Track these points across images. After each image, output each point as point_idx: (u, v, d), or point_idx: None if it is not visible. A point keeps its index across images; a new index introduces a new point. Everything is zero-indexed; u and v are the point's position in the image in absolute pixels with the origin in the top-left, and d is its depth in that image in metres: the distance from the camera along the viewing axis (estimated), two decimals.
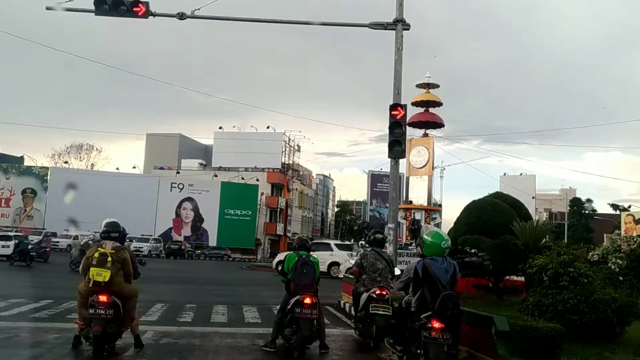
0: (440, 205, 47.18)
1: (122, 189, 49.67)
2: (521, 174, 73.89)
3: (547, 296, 7.97)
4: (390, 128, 11.87)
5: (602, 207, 70.89)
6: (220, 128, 68.78)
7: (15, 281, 16.49)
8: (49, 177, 53.69)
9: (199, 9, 12.64)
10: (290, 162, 71.24)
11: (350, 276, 11.22)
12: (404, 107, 12.13)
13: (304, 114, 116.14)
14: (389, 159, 12.23)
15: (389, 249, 11.27)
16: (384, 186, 64.68)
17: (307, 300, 7.11)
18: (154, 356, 6.92)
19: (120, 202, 42.46)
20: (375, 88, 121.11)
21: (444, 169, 53.24)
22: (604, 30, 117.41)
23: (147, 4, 12.44)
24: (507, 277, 12.01)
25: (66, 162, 64.09)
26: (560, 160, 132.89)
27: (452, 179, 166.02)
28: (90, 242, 26.97)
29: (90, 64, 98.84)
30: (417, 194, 38.21)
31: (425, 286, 5.69)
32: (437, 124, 38.58)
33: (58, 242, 38.69)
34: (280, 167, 66.62)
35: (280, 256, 27.84)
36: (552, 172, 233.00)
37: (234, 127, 67.54)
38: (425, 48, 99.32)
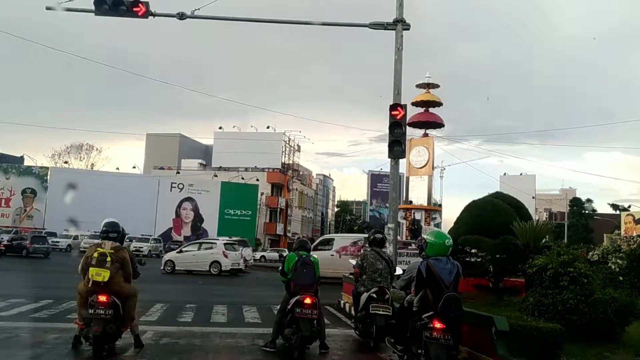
0: (440, 205, 47.12)
1: (122, 189, 49.66)
2: (521, 174, 73.93)
3: (547, 296, 7.97)
4: (390, 128, 11.86)
5: (602, 207, 70.88)
6: (220, 128, 68.92)
7: (16, 281, 16.49)
8: (49, 177, 53.69)
9: (199, 9, 12.64)
10: (290, 162, 71.28)
11: (351, 276, 11.23)
12: (404, 107, 12.12)
13: (304, 114, 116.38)
14: (389, 159, 12.22)
15: (389, 249, 11.27)
16: (384, 186, 64.63)
17: (307, 300, 7.11)
18: (154, 356, 6.92)
19: (120, 202, 42.47)
20: (376, 88, 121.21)
21: (444, 169, 53.23)
22: (605, 30, 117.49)
23: (147, 4, 12.43)
24: (507, 277, 12.01)
25: (66, 162, 64.19)
26: (560, 160, 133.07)
27: (452, 179, 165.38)
28: None
29: (90, 64, 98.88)
30: (417, 194, 38.12)
31: (428, 287, 5.69)
32: (437, 124, 38.48)
33: (58, 242, 38.73)
34: (280, 167, 66.63)
35: (168, 256, 26.70)
36: (552, 172, 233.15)
37: (234, 127, 67.66)
38: (425, 48, 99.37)
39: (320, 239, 22.47)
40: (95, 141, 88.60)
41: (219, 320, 10.32)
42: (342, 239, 21.51)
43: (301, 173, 77.19)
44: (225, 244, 24.46)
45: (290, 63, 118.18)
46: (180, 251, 24.82)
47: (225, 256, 23.18)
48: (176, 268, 23.25)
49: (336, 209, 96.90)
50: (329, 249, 20.80)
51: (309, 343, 7.22)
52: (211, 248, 23.78)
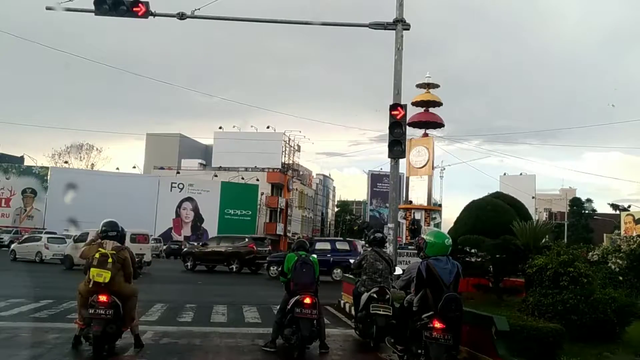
0: (440, 205, 47.12)
1: (122, 189, 49.65)
2: (521, 174, 73.84)
3: (547, 296, 7.98)
4: (390, 128, 11.87)
5: (602, 207, 70.84)
6: (220, 128, 68.80)
7: (15, 281, 16.50)
8: (49, 177, 53.65)
9: (199, 9, 12.64)
10: (290, 162, 71.24)
11: (351, 276, 11.23)
12: (404, 107, 12.13)
13: (304, 114, 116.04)
14: (389, 159, 12.23)
15: (389, 249, 11.27)
16: (384, 186, 64.57)
17: (307, 300, 7.12)
18: (154, 356, 6.92)
19: (120, 202, 42.45)
20: (376, 88, 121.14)
21: (444, 169, 53.28)
22: (605, 30, 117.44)
23: (147, 4, 12.44)
24: (507, 277, 12.00)
25: (66, 162, 64.16)
26: (560, 160, 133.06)
27: (452, 179, 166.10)
28: None
29: (90, 64, 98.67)
30: (417, 194, 38.14)
31: (428, 287, 5.69)
32: (437, 124, 38.52)
33: None
34: (280, 167, 66.62)
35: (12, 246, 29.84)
36: (552, 172, 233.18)
37: (234, 127, 67.57)
38: (425, 48, 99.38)
39: (80, 234, 25.90)
40: (95, 141, 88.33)
41: (219, 320, 10.32)
42: (95, 233, 24.30)
43: (301, 173, 77.19)
44: (49, 238, 28.66)
45: (290, 63, 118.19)
46: (23, 241, 29.72)
47: (47, 248, 26.73)
48: (17, 257, 27.48)
49: (336, 209, 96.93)
50: (84, 241, 23.23)
51: (309, 343, 7.22)
52: (39, 240, 27.97)
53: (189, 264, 25.64)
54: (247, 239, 26.58)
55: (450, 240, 5.97)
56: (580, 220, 64.57)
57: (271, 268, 22.25)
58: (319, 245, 23.00)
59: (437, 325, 5.50)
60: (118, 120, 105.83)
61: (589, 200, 69.15)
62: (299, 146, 73.00)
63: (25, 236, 32.03)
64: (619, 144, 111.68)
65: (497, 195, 14.91)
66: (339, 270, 21.01)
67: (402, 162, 14.80)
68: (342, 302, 12.49)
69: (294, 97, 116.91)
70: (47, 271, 21.48)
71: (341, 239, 24.14)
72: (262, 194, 60.41)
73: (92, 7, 12.40)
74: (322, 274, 22.32)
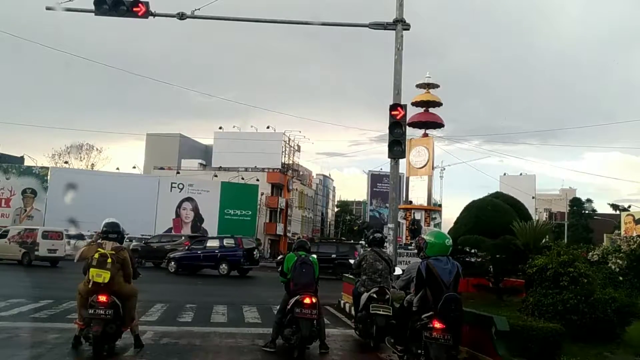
0: (440, 205, 47.10)
1: (122, 189, 49.54)
2: (521, 174, 73.84)
3: (547, 296, 7.97)
4: (390, 128, 11.87)
5: (602, 207, 70.83)
6: (220, 128, 68.78)
7: (15, 281, 16.50)
8: (49, 177, 53.52)
9: (199, 9, 12.65)
10: (290, 162, 71.20)
11: (351, 276, 11.23)
12: (404, 107, 12.13)
13: (304, 114, 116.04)
14: (389, 159, 12.23)
15: (389, 249, 11.27)
16: (384, 186, 64.56)
17: (307, 300, 7.11)
18: (154, 356, 6.92)
19: (120, 202, 42.39)
20: (376, 88, 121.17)
21: (444, 169, 53.20)
22: (605, 30, 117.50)
23: (147, 4, 12.44)
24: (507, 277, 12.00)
25: (66, 162, 64.11)
26: (560, 160, 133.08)
27: (452, 179, 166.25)
28: None
29: (90, 64, 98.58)
30: (417, 194, 38.19)
31: (428, 287, 5.69)
32: (437, 124, 38.57)
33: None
34: (280, 167, 66.60)
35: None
36: (552, 172, 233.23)
37: (234, 127, 67.59)
38: (425, 48, 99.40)
39: (2, 231, 27.22)
40: (95, 141, 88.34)
41: (219, 320, 10.32)
42: (14, 230, 26.45)
43: (301, 173, 77.13)
44: None
45: (290, 63, 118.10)
46: None
47: None
48: None
49: (336, 209, 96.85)
50: (4, 237, 25.67)
51: (309, 343, 7.22)
52: None
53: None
54: (183, 237, 28.98)
55: (451, 240, 5.98)
56: (580, 220, 64.54)
57: (171, 264, 23.99)
58: (209, 243, 25.33)
59: (437, 325, 5.50)
60: (118, 120, 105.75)
61: (589, 201, 69.17)
62: (299, 146, 73.01)
63: None
64: (619, 144, 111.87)
65: (497, 196, 14.93)
66: (224, 265, 23.39)
67: (402, 162, 14.83)
68: (342, 302, 12.49)
69: (294, 97, 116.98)
70: None
71: (229, 235, 25.79)
72: (262, 194, 60.33)
73: (92, 7, 12.40)
74: (210, 268, 23.51)
